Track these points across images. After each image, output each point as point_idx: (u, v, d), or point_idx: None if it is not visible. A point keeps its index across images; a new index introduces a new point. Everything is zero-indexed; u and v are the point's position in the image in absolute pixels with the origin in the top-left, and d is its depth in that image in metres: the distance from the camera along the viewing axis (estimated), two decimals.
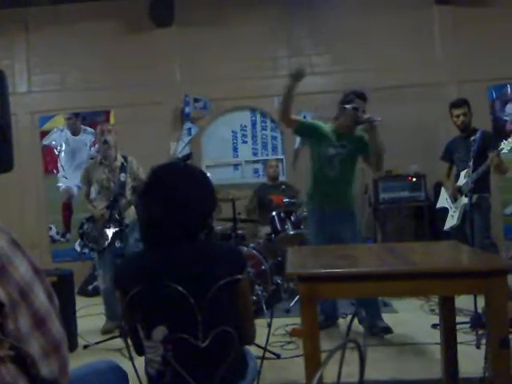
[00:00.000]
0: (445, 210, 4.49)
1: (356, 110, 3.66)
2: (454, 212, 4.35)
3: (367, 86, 4.43)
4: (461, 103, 4.33)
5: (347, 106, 3.71)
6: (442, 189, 4.58)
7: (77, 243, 6.51)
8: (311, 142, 3.94)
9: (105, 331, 4.22)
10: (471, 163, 3.83)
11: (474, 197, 4.03)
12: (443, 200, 4.53)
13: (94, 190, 4.46)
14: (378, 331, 3.66)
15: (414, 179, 5.98)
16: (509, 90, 6.31)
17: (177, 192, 1.72)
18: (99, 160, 4.37)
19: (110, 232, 4.23)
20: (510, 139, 3.87)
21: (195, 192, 1.76)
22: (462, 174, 4.25)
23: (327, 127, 3.86)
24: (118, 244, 4.59)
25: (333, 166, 3.78)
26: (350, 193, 3.89)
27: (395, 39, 6.32)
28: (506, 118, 6.28)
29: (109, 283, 4.26)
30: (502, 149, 3.88)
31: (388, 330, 3.66)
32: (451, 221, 4.37)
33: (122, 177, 4.24)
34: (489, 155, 3.88)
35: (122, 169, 4.29)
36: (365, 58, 6.33)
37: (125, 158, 4.40)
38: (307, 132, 3.93)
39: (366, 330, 3.71)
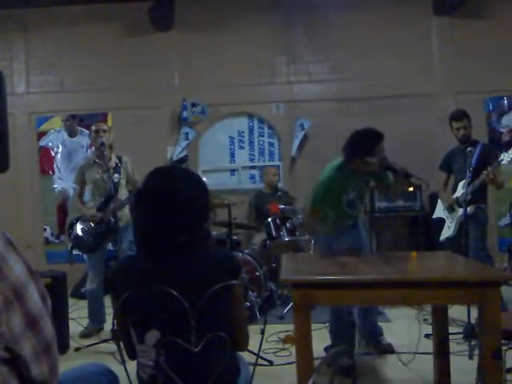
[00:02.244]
0: (441, 221, 4.49)
1: (384, 159, 3.11)
2: (451, 223, 4.35)
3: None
4: (461, 116, 4.30)
5: (371, 160, 3.08)
6: (439, 199, 4.59)
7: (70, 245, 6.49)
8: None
9: (83, 335, 4.17)
10: (470, 174, 3.85)
11: (471, 208, 4.05)
12: (440, 210, 4.54)
13: (87, 190, 4.44)
14: (382, 348, 3.57)
15: (410, 189, 5.99)
16: (505, 102, 6.35)
17: (174, 196, 1.72)
18: (93, 160, 4.35)
19: (101, 233, 4.21)
20: (510, 151, 3.89)
21: (193, 196, 1.75)
22: (460, 184, 4.25)
23: (341, 173, 3.23)
24: (111, 246, 4.58)
25: (354, 206, 3.40)
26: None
27: (394, 49, 6.35)
28: (502, 130, 6.32)
29: (96, 285, 4.23)
30: (502, 160, 3.89)
31: (391, 348, 3.56)
32: (447, 231, 4.38)
33: (116, 177, 4.21)
34: (486, 169, 3.90)
35: (116, 169, 4.27)
36: (363, 67, 6.36)
37: (119, 158, 4.37)
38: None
39: (359, 336, 3.69)
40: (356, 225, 3.56)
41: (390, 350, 3.55)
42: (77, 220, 4.32)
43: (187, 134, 6.47)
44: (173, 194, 1.72)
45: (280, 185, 6.22)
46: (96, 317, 4.26)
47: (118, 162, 4.32)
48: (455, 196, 4.32)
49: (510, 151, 3.89)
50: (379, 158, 3.09)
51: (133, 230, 1.82)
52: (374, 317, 3.72)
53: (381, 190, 3.53)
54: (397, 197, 3.51)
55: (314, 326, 2.16)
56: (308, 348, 1.95)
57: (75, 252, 6.43)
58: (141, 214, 1.79)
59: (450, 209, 4.38)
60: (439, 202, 4.58)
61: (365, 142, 3.12)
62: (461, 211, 4.15)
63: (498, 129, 6.33)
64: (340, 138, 3.37)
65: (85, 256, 4.43)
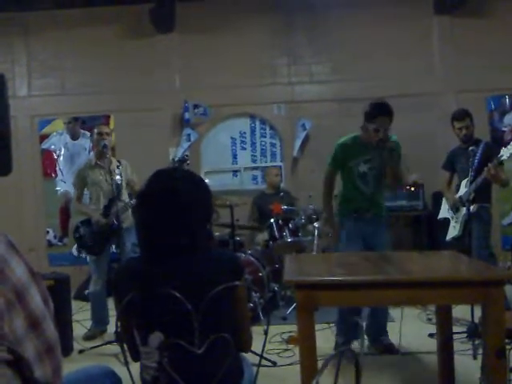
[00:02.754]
0: (446, 221, 4.47)
1: (377, 132, 3.37)
2: (456, 222, 4.33)
3: (388, 95, 4.26)
4: (463, 116, 4.28)
5: (369, 127, 3.41)
6: (444, 199, 4.56)
7: (74, 248, 6.50)
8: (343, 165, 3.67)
9: (87, 338, 4.18)
10: (472, 173, 3.84)
11: (475, 207, 4.03)
12: (445, 211, 4.51)
13: (88, 193, 4.45)
14: (381, 348, 3.55)
15: (412, 188, 5.99)
16: (507, 100, 6.33)
17: (176, 197, 1.72)
18: (94, 162, 4.35)
19: (105, 236, 4.23)
20: (509, 146, 3.87)
21: (196, 197, 1.76)
22: (463, 183, 4.24)
23: (355, 142, 3.57)
24: (114, 249, 4.58)
25: (367, 181, 3.57)
26: (384, 203, 3.75)
27: (394, 49, 6.34)
28: (504, 129, 6.30)
29: (99, 287, 4.24)
30: (502, 156, 3.88)
31: (392, 348, 3.51)
32: (453, 231, 4.34)
33: (118, 179, 4.23)
34: (487, 165, 3.88)
35: (117, 171, 4.28)
36: (364, 67, 6.35)
37: (119, 161, 4.40)
38: (340, 167, 3.66)
39: (363, 338, 3.68)
40: (377, 220, 3.60)
41: (391, 349, 3.51)
42: (82, 223, 4.34)
43: (189, 135, 6.47)
44: (175, 196, 1.72)
45: (282, 185, 6.22)
46: (99, 319, 4.26)
47: (118, 164, 4.34)
48: (458, 195, 4.30)
49: (509, 146, 3.86)
50: (379, 130, 3.34)
51: (136, 232, 1.83)
52: (383, 318, 3.65)
53: (388, 175, 3.59)
54: (398, 185, 3.71)
55: (317, 327, 2.16)
56: (312, 349, 1.95)
57: (76, 255, 6.49)
58: (143, 216, 1.79)
59: (455, 208, 4.36)
60: (444, 202, 4.54)
61: (370, 109, 3.40)
62: (465, 210, 4.14)
63: (500, 128, 6.31)
64: None
65: (88, 258, 4.44)
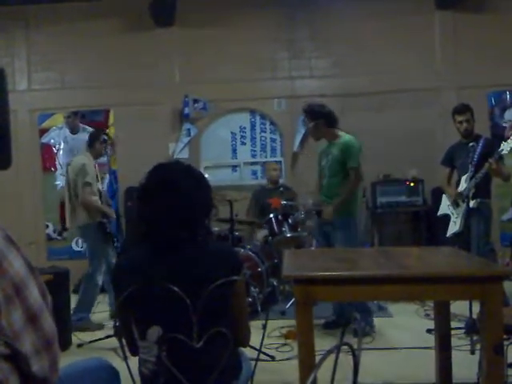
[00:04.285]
0: (446, 217, 4.46)
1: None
2: (456, 218, 4.32)
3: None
4: (464, 110, 4.29)
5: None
6: (444, 195, 4.55)
7: (74, 242, 6.52)
8: None
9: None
10: (472, 169, 3.83)
11: (475, 202, 4.02)
12: (445, 206, 4.50)
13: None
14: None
15: (412, 184, 5.99)
16: (508, 96, 6.32)
17: (175, 192, 1.72)
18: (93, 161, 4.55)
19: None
20: (509, 140, 3.87)
21: (195, 191, 1.75)
22: (463, 179, 4.23)
23: (324, 144, 4.18)
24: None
25: (325, 175, 4.08)
26: (336, 196, 3.96)
27: (396, 44, 6.33)
28: (505, 125, 6.29)
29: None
30: (502, 150, 3.87)
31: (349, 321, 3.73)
32: (454, 227, 4.33)
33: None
34: (488, 160, 3.88)
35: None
36: (365, 62, 6.34)
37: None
38: None
39: (360, 333, 3.70)
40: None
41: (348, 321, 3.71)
42: (103, 218, 4.44)
43: (189, 130, 6.47)
44: (174, 190, 1.72)
45: (282, 180, 6.22)
46: None
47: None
48: (459, 190, 4.29)
49: (509, 140, 3.86)
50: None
51: (133, 226, 1.83)
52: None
53: None
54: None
55: (315, 322, 2.16)
56: (310, 343, 1.95)
57: (77, 248, 6.50)
58: (142, 210, 1.79)
59: (455, 204, 4.35)
60: (444, 198, 4.53)
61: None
62: (465, 206, 4.13)
63: (500, 123, 6.31)
64: None
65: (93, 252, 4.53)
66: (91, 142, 4.62)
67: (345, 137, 3.99)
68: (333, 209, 3.89)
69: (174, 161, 1.96)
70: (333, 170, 3.97)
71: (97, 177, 4.46)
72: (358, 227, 4.01)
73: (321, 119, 3.98)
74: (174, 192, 1.71)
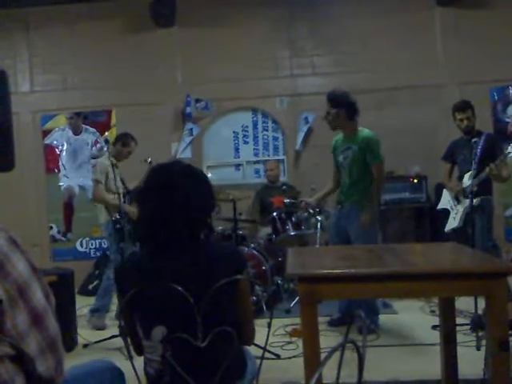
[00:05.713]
0: (446, 212, 4.47)
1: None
2: (456, 214, 4.32)
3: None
4: (465, 107, 4.26)
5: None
6: (445, 190, 4.55)
7: (78, 243, 6.53)
8: None
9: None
10: (475, 166, 3.82)
11: (477, 199, 4.02)
12: (445, 201, 4.50)
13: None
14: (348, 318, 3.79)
15: (415, 180, 5.98)
16: (511, 91, 6.29)
17: (175, 192, 1.72)
18: (114, 162, 4.44)
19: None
20: None
21: (195, 190, 1.76)
22: (466, 176, 4.22)
23: (340, 137, 4.08)
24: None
25: (345, 171, 3.97)
26: (357, 193, 3.93)
27: (397, 41, 6.31)
28: (508, 120, 6.27)
29: None
30: (510, 153, 3.85)
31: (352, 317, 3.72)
32: (453, 222, 4.35)
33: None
34: (489, 165, 3.87)
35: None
36: (366, 59, 6.32)
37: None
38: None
39: (364, 330, 3.70)
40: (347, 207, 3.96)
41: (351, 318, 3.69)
42: (120, 216, 4.38)
43: (191, 129, 6.47)
44: (174, 190, 1.72)
45: (285, 179, 6.21)
46: None
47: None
48: (462, 187, 4.28)
49: None
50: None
51: (135, 226, 1.83)
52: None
53: None
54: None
55: (320, 319, 2.16)
56: (315, 341, 1.95)
57: (82, 249, 6.51)
58: (143, 210, 1.79)
59: (456, 199, 4.35)
60: (444, 192, 4.54)
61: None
62: (467, 202, 4.12)
63: (503, 119, 6.28)
64: None
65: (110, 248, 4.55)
66: (114, 143, 4.82)
67: (363, 131, 3.89)
68: (368, 214, 3.87)
69: (174, 161, 1.97)
70: (353, 167, 3.89)
71: (114, 177, 4.33)
72: (377, 226, 4.03)
73: (343, 108, 3.88)
74: (174, 191, 1.72)
